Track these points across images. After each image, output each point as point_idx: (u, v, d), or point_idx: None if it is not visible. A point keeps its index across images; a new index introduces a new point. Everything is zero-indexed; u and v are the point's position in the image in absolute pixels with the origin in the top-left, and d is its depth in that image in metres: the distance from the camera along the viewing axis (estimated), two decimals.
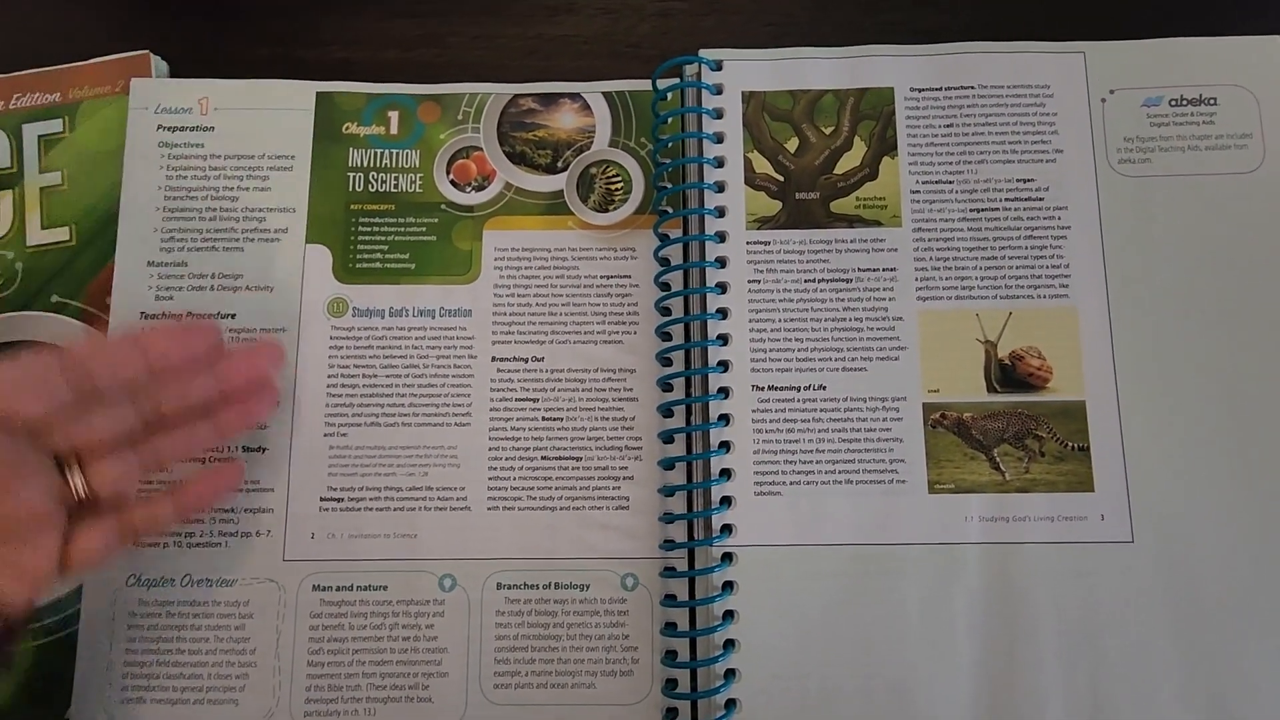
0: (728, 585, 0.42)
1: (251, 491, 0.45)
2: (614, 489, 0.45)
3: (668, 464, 0.45)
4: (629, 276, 0.47)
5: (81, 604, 0.44)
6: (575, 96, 0.49)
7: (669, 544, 0.44)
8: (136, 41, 0.50)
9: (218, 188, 0.48)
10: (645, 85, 0.48)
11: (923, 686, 0.41)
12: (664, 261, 0.46)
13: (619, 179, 0.48)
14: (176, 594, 0.44)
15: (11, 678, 0.43)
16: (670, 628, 0.43)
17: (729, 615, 0.42)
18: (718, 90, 0.47)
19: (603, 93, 0.49)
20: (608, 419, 0.45)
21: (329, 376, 0.46)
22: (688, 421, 0.45)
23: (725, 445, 0.44)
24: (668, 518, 0.44)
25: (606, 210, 0.47)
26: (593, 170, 0.48)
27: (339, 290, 0.47)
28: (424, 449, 0.45)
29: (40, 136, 0.49)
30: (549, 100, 0.49)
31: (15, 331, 0.47)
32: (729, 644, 0.42)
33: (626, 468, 0.45)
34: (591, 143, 0.48)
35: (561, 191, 0.48)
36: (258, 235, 0.47)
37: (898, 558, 0.42)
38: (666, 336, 0.46)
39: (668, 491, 0.44)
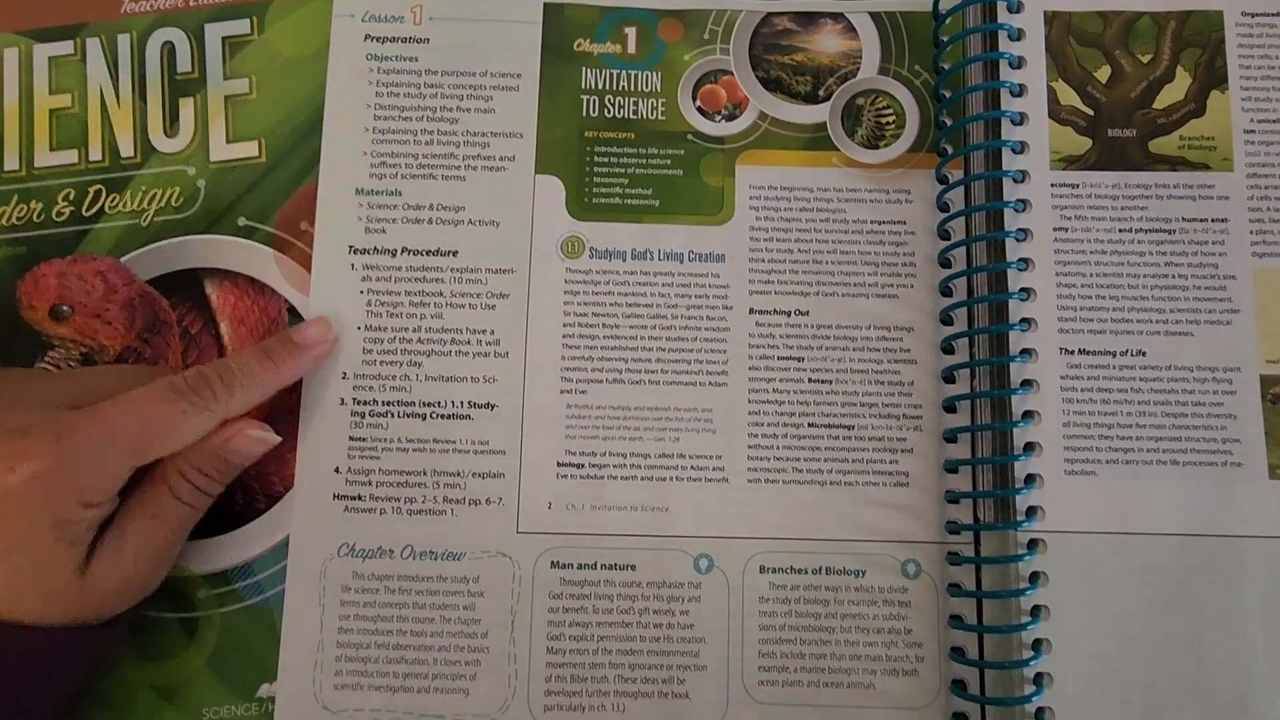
0: (1033, 576, 0.37)
1: (481, 454, 0.39)
2: (891, 462, 0.39)
3: (951, 435, 0.39)
4: (903, 222, 0.41)
5: (286, 574, 0.38)
6: (838, 16, 0.43)
7: (954, 525, 0.38)
8: None
9: (434, 108, 0.42)
10: (919, 5, 0.42)
11: (1264, 701, 0.36)
12: (945, 207, 0.41)
13: (890, 111, 0.42)
14: (396, 567, 0.38)
15: (195, 649, 0.38)
16: (956, 620, 0.38)
17: (1036, 611, 0.37)
18: (1016, 7, 0.41)
19: (869, 12, 0.43)
20: (882, 383, 0.40)
21: (564, 325, 0.40)
22: (971, 388, 0.39)
23: (1028, 415, 0.38)
24: (952, 496, 0.39)
25: (876, 146, 0.42)
26: (860, 100, 0.42)
27: (574, 228, 0.41)
28: (674, 411, 0.39)
29: (225, 38, 0.43)
30: (807, 20, 0.43)
31: (199, 257, 0.41)
32: (1037, 644, 0.36)
33: (905, 439, 0.39)
34: (858, 69, 0.42)
35: (824, 124, 0.42)
36: (481, 163, 0.41)
37: (1234, 552, 0.37)
38: (947, 292, 0.40)
39: (951, 467, 0.39)
